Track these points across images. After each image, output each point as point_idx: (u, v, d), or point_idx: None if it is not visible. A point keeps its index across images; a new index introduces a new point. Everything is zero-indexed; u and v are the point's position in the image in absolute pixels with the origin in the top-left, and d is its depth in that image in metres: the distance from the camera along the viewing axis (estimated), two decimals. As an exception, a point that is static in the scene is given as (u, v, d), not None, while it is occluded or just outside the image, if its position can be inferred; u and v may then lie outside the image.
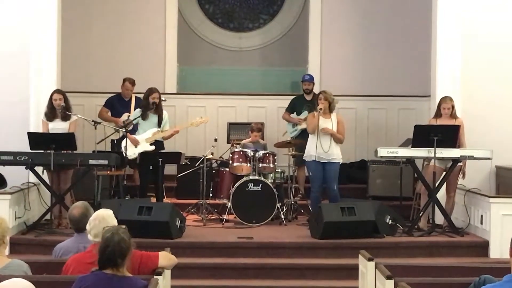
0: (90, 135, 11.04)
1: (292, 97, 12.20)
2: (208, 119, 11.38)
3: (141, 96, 11.23)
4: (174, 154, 10.58)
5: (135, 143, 10.62)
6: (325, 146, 10.00)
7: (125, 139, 10.55)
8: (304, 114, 11.71)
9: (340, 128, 10.16)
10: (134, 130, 10.84)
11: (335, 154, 10.08)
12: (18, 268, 5.12)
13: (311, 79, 12.10)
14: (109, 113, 11.67)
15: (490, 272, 5.01)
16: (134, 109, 11.35)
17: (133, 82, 11.67)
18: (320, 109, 10.03)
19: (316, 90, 12.35)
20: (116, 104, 11.68)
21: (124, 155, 10.53)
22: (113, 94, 11.85)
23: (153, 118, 10.72)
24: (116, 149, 11.08)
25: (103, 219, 5.43)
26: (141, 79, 11.94)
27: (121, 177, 10.95)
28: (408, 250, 9.10)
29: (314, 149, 10.05)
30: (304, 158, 10.34)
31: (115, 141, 11.40)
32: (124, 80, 11.69)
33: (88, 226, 5.48)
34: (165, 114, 10.81)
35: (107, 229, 4.75)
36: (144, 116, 10.68)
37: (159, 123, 10.73)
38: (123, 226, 4.80)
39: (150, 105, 10.65)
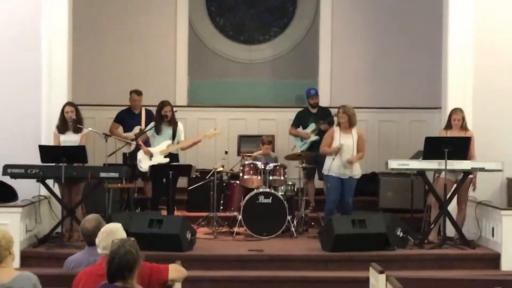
0: (101, 148, 11.06)
1: (296, 111, 12.22)
2: (221, 132, 11.38)
3: (152, 108, 11.26)
4: (185, 167, 10.57)
5: (149, 155, 10.61)
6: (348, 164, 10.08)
7: (139, 151, 10.60)
8: (311, 127, 11.72)
9: (360, 143, 10.20)
10: (146, 144, 10.83)
11: (356, 169, 10.15)
12: (27, 280, 5.11)
13: (317, 93, 12.12)
14: (120, 128, 11.69)
15: (501, 285, 5.00)
16: (145, 122, 11.37)
17: (139, 93, 11.69)
18: (338, 124, 10.19)
19: (326, 102, 12.40)
20: (126, 118, 11.71)
21: (139, 167, 10.56)
22: (123, 108, 11.87)
23: (168, 131, 10.71)
24: (128, 162, 11.09)
25: (111, 232, 5.43)
26: (151, 92, 11.99)
27: (132, 190, 10.97)
28: (419, 262, 9.07)
29: (335, 165, 10.07)
30: (323, 172, 10.35)
31: (127, 155, 11.40)
32: (130, 93, 11.73)
33: (97, 240, 5.48)
34: (179, 126, 10.80)
35: (115, 242, 4.75)
36: (158, 130, 10.67)
37: (174, 136, 10.73)
38: (132, 238, 4.79)
39: (162, 118, 10.66)
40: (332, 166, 10.10)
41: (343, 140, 10.10)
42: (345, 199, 10.19)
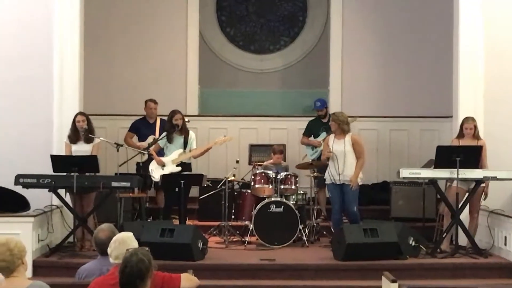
0: (113, 157, 11.08)
1: (308, 120, 12.20)
2: (232, 138, 11.40)
3: (163, 117, 11.29)
4: (196, 176, 10.58)
5: (161, 164, 10.64)
6: (338, 168, 9.98)
7: (152, 161, 10.63)
8: (322, 135, 11.69)
9: (356, 148, 10.09)
10: (160, 154, 10.86)
11: (351, 175, 10.04)
12: (40, 290, 5.12)
13: (323, 105, 11.97)
14: (135, 138, 11.70)
15: (514, 294, 4.97)
16: (159, 131, 11.40)
17: (155, 101, 11.75)
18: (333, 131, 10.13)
19: (337, 111, 12.36)
20: (141, 127, 11.73)
21: (152, 177, 10.59)
22: (138, 118, 11.90)
23: (179, 140, 10.76)
24: (142, 172, 11.10)
25: (123, 241, 5.44)
26: (163, 102, 12.00)
27: (144, 200, 10.97)
28: (432, 271, 9.02)
29: (330, 171, 10.05)
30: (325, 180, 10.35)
31: (141, 164, 11.39)
32: (146, 102, 11.78)
33: (109, 249, 5.49)
34: (191, 134, 10.86)
35: (128, 251, 4.76)
36: (170, 139, 10.72)
37: (185, 144, 10.76)
38: (146, 248, 4.80)
39: (174, 127, 10.69)
40: (328, 173, 10.10)
41: (336, 147, 10.05)
42: (348, 208, 10.11)
